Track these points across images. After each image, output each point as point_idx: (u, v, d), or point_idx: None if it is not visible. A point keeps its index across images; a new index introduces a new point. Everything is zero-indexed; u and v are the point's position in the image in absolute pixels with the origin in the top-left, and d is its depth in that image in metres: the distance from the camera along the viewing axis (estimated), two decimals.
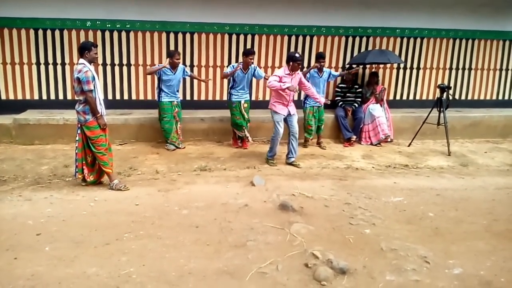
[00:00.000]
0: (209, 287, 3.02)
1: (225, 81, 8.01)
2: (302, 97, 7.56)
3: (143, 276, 3.11)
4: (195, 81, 7.89)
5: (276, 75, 5.81)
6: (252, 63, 6.76)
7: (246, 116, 6.94)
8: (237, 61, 7.93)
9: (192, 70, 7.88)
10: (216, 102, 8.09)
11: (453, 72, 9.01)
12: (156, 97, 6.81)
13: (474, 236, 3.97)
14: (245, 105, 6.93)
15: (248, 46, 7.96)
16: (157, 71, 6.56)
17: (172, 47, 7.70)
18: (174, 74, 6.64)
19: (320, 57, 7.11)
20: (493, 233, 4.04)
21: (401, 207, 4.64)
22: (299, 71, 5.96)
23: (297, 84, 5.95)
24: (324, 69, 7.19)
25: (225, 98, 8.09)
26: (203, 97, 8.10)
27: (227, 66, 7.37)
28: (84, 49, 4.67)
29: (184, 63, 7.84)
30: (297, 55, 5.77)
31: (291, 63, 5.78)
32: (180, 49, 7.75)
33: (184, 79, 7.49)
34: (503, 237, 3.95)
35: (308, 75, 7.07)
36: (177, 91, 6.86)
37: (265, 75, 6.99)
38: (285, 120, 6.07)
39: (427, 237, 3.90)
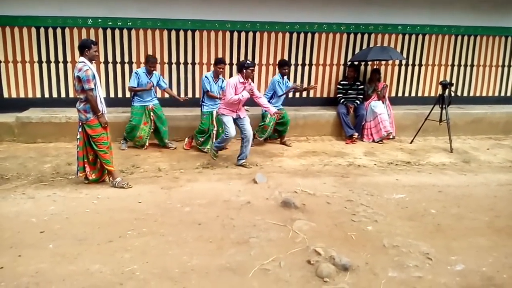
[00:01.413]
0: (211, 283, 3.03)
1: (227, 78, 8.02)
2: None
3: (146, 273, 3.12)
4: (197, 78, 7.89)
5: (231, 86, 5.67)
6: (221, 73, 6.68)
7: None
8: (238, 58, 7.94)
9: (193, 68, 7.89)
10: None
11: (455, 68, 8.99)
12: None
13: (476, 232, 3.97)
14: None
15: (250, 43, 7.96)
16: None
17: (173, 45, 7.70)
18: (150, 79, 6.58)
19: (285, 64, 7.01)
20: (495, 229, 4.05)
21: (403, 203, 4.65)
22: (251, 83, 5.86)
23: (249, 93, 5.83)
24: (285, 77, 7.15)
25: None
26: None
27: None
28: (84, 47, 4.66)
29: (185, 61, 7.85)
30: (248, 62, 5.72)
31: (244, 71, 5.67)
32: (181, 46, 7.76)
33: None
34: (505, 234, 3.95)
35: (276, 83, 6.95)
36: (154, 96, 6.78)
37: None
38: (236, 124, 5.92)
39: (429, 234, 3.91)
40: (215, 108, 6.55)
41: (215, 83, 6.64)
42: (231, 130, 5.80)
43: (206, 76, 6.61)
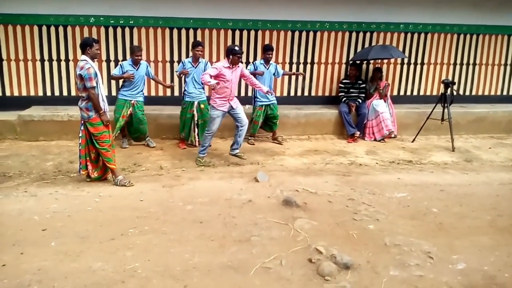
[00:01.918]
0: (213, 281, 3.04)
1: None
2: (251, 94, 7.44)
3: (148, 271, 3.13)
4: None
5: (215, 68, 5.65)
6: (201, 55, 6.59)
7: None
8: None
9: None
10: None
11: (457, 67, 8.97)
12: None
13: (478, 231, 3.97)
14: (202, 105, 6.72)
15: (251, 41, 7.96)
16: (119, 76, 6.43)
17: (175, 43, 7.70)
18: (137, 70, 6.45)
19: (268, 49, 6.95)
20: (497, 228, 4.05)
21: (405, 202, 4.65)
22: (240, 64, 5.83)
23: (238, 78, 5.83)
24: (271, 62, 7.08)
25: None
26: (206, 93, 8.07)
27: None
28: (86, 46, 4.67)
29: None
30: (236, 48, 5.66)
31: (231, 56, 5.65)
32: (183, 45, 7.76)
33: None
34: (507, 233, 3.95)
35: (253, 66, 6.96)
36: (141, 91, 6.60)
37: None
38: (230, 114, 5.93)
39: (431, 233, 3.91)
40: (197, 98, 6.57)
41: (195, 68, 6.51)
42: (215, 127, 5.82)
43: (182, 62, 6.52)
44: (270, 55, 6.99)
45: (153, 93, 7.86)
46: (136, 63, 6.47)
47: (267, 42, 8.00)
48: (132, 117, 6.55)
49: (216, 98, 5.78)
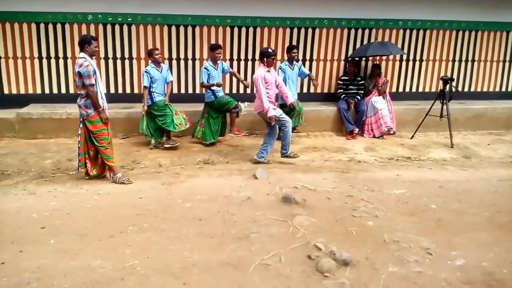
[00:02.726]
0: (212, 278, 3.04)
1: (228, 74, 8.02)
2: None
3: (148, 268, 3.13)
4: (197, 74, 7.88)
5: (262, 80, 5.62)
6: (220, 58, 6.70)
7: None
8: (239, 54, 7.93)
9: (193, 64, 7.88)
10: None
11: (456, 64, 8.97)
12: (148, 101, 6.37)
13: (476, 227, 3.97)
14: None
15: (250, 39, 7.95)
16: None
17: (173, 41, 7.69)
18: (161, 72, 6.41)
19: (293, 48, 6.91)
20: (496, 224, 4.05)
21: (404, 199, 4.65)
22: (272, 68, 5.87)
23: (274, 80, 5.81)
24: (295, 62, 7.06)
25: (227, 91, 8.10)
26: (204, 90, 8.06)
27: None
28: (84, 43, 4.66)
29: (185, 57, 7.84)
30: (270, 50, 5.74)
31: (265, 59, 5.70)
32: (181, 42, 7.75)
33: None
34: (506, 229, 3.95)
35: (280, 70, 6.90)
36: (162, 90, 6.49)
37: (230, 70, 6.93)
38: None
39: (430, 229, 3.91)
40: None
41: (215, 69, 6.62)
42: (287, 118, 5.79)
43: (206, 67, 6.54)
44: (295, 54, 6.94)
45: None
46: (158, 65, 6.40)
47: (265, 39, 8.01)
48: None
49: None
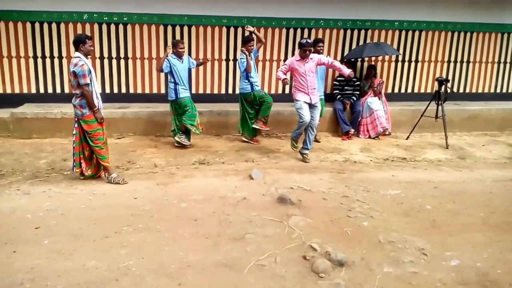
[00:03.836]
0: (208, 279, 3.03)
1: (224, 73, 8.02)
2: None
3: (142, 269, 3.12)
4: (194, 74, 7.87)
5: (285, 64, 5.99)
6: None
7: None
8: (235, 54, 7.92)
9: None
10: (215, 96, 8.07)
11: (452, 65, 9.00)
12: (171, 95, 6.41)
13: (471, 228, 3.99)
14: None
15: None
16: (163, 63, 6.26)
17: (169, 40, 7.66)
18: (182, 63, 6.41)
19: (319, 41, 6.84)
20: (490, 225, 4.07)
21: (399, 199, 4.66)
22: (313, 56, 5.91)
23: (313, 69, 5.91)
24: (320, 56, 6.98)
25: (223, 91, 8.09)
26: (201, 91, 8.08)
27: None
28: (79, 42, 4.64)
29: None
30: (303, 41, 5.79)
31: (299, 50, 5.85)
32: None
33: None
34: (500, 229, 3.97)
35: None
36: (186, 85, 6.49)
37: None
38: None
39: (425, 230, 3.92)
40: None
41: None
42: (305, 116, 5.84)
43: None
44: (321, 47, 6.84)
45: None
46: (179, 56, 6.38)
47: None
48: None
49: (295, 90, 5.98)
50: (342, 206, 4.42)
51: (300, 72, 5.85)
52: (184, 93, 6.42)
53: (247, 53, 6.55)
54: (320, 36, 8.20)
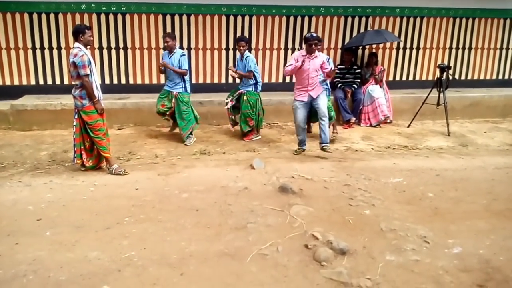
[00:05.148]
0: (210, 269, 3.04)
1: (224, 63, 7.96)
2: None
3: (145, 259, 3.13)
4: (193, 64, 7.82)
5: (292, 59, 5.64)
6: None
7: None
8: (234, 43, 7.85)
9: (189, 53, 7.79)
10: (215, 85, 8.02)
11: (453, 51, 8.93)
12: (185, 89, 6.21)
13: (473, 215, 3.98)
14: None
15: (246, 27, 7.86)
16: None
17: (168, 30, 7.59)
18: (170, 58, 6.11)
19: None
20: (493, 212, 4.06)
21: (401, 187, 4.65)
22: (319, 54, 5.66)
23: (316, 67, 5.58)
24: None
25: (223, 81, 8.04)
26: (201, 80, 8.03)
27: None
28: (78, 33, 4.60)
29: (181, 46, 7.74)
30: (307, 35, 5.50)
31: (304, 45, 5.61)
32: (176, 31, 7.65)
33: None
34: (503, 216, 3.97)
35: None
36: (180, 82, 6.18)
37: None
38: (311, 105, 5.79)
39: (427, 217, 3.92)
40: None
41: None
42: (298, 115, 5.74)
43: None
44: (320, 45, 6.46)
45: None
46: (169, 51, 6.09)
47: (261, 27, 7.92)
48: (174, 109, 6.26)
49: (296, 89, 5.76)
50: (344, 194, 4.42)
51: (303, 68, 5.55)
52: (166, 87, 6.29)
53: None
54: (320, 23, 8.13)
